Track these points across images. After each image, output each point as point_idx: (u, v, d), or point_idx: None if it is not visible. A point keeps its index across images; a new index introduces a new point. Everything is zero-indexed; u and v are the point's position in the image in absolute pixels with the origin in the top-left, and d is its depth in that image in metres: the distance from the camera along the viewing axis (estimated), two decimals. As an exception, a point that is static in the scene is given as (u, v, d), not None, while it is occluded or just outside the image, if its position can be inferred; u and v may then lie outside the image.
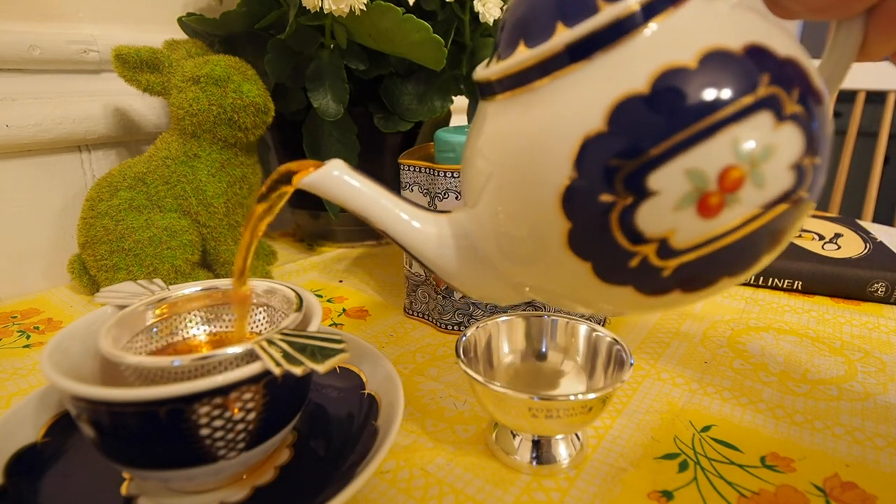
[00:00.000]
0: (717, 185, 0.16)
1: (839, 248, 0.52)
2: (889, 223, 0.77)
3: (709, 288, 0.19)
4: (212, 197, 0.45)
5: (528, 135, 0.18)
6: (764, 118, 0.16)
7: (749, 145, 0.16)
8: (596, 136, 0.17)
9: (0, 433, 0.24)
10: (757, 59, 0.17)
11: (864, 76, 1.00)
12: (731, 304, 0.46)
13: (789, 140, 0.17)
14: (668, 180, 0.16)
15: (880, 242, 0.53)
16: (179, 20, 0.52)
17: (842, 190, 1.02)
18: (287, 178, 0.23)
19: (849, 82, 1.01)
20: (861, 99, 1.02)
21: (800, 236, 0.56)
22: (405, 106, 0.54)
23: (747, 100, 0.16)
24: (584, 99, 0.17)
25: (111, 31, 0.52)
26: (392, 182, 0.60)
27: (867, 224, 0.64)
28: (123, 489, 0.24)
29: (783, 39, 0.18)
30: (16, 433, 0.25)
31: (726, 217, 0.17)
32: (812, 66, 0.18)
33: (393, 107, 0.54)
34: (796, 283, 0.48)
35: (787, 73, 0.17)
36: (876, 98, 1.10)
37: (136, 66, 0.44)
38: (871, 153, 1.02)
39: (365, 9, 0.43)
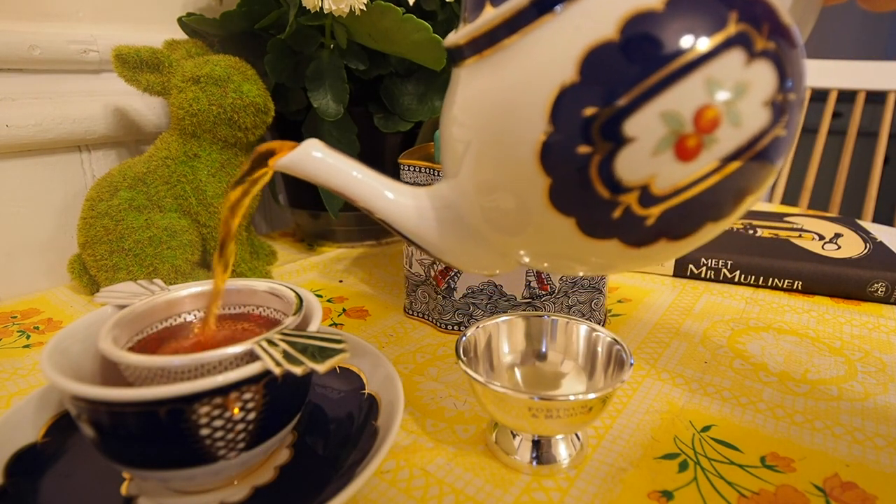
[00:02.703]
0: (694, 126, 0.16)
1: (839, 248, 0.52)
2: (889, 223, 0.77)
3: (694, 235, 0.19)
4: (212, 197, 0.45)
5: (501, 94, 0.18)
6: (735, 55, 0.16)
7: (722, 84, 0.16)
8: (569, 87, 0.17)
9: (0, 433, 0.24)
10: None
11: (865, 76, 1.00)
12: (731, 304, 0.46)
13: (762, 76, 0.17)
14: (644, 125, 0.16)
15: (880, 242, 0.53)
16: (179, 20, 0.52)
17: (842, 190, 1.02)
18: (264, 161, 0.23)
19: (849, 82, 1.01)
20: (861, 99, 1.02)
21: (800, 236, 0.56)
22: (405, 106, 0.54)
23: (717, 38, 0.16)
24: (555, 51, 0.17)
25: (111, 31, 0.52)
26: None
27: (867, 224, 0.64)
28: (123, 489, 0.24)
29: None
30: (16, 433, 0.25)
31: (705, 158, 0.17)
32: (780, 3, 0.18)
33: (393, 107, 0.54)
34: (796, 283, 0.48)
35: (756, 10, 0.17)
36: (876, 98, 1.10)
37: (136, 66, 0.44)
38: (871, 153, 1.02)
39: (365, 9, 0.43)
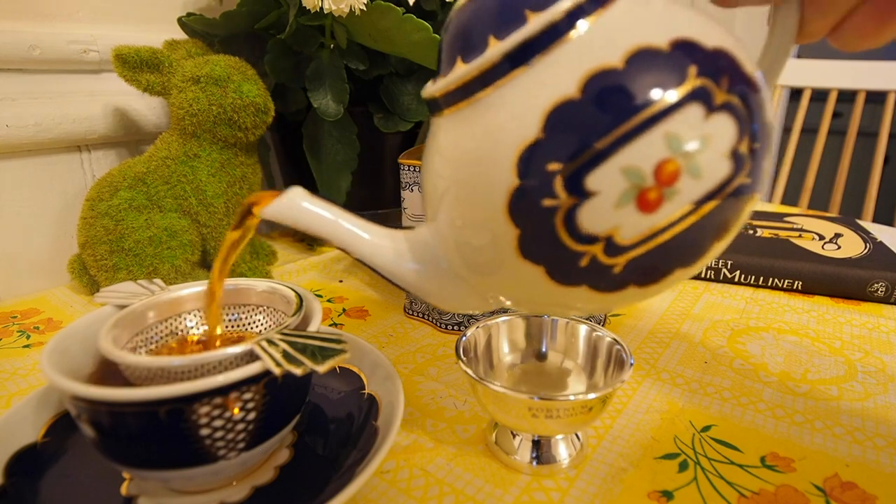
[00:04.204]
0: (654, 180, 0.17)
1: (839, 248, 0.52)
2: (889, 223, 0.77)
3: (663, 280, 0.19)
4: (212, 197, 0.45)
5: (473, 145, 0.19)
6: (694, 110, 0.17)
7: (681, 138, 0.17)
8: (534, 142, 0.17)
9: (0, 433, 0.24)
10: (684, 53, 0.17)
11: (865, 76, 1.00)
12: (731, 304, 0.46)
13: (722, 129, 0.17)
14: (606, 180, 0.17)
15: (880, 242, 0.53)
16: (179, 20, 0.52)
17: (842, 190, 1.02)
18: (250, 211, 0.24)
19: (849, 82, 1.01)
20: (861, 99, 1.02)
21: (799, 236, 0.56)
22: (405, 106, 0.54)
23: (676, 94, 0.16)
24: (521, 107, 0.18)
25: (111, 31, 0.52)
26: (392, 182, 0.60)
27: (867, 224, 0.64)
28: (123, 489, 0.24)
29: (712, 31, 0.18)
30: (16, 433, 0.25)
31: (667, 210, 0.17)
32: (744, 53, 0.18)
33: (393, 107, 0.54)
34: (796, 283, 0.48)
35: (716, 64, 0.17)
36: (876, 98, 1.10)
37: (136, 66, 0.44)
38: (871, 153, 1.02)
39: (365, 9, 0.43)
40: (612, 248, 0.18)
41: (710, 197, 0.17)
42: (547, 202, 0.17)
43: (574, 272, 0.19)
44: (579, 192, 0.17)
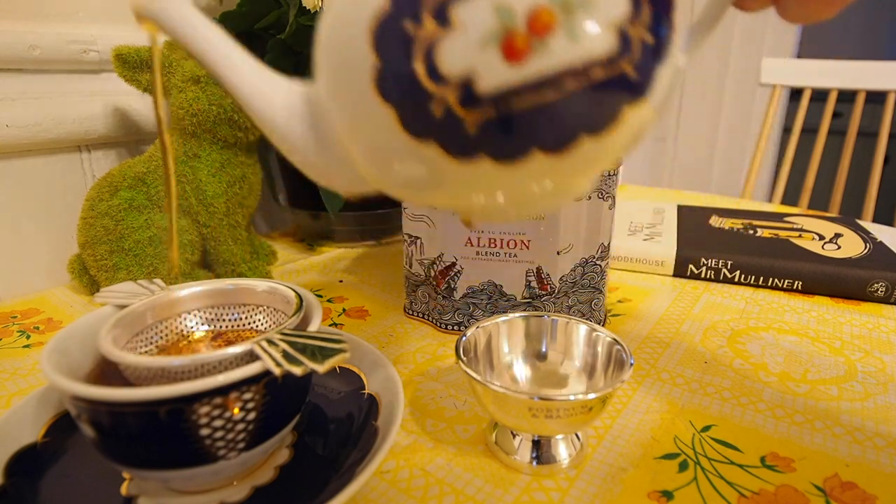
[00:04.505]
0: (526, 25, 0.15)
1: (839, 248, 0.52)
2: (889, 223, 0.77)
3: (520, 160, 0.18)
4: (212, 197, 0.45)
5: None
6: None
7: None
8: None
9: (0, 433, 0.24)
10: None
11: (865, 76, 1.00)
12: (731, 304, 0.46)
13: None
14: (475, 13, 0.16)
15: (880, 242, 0.53)
16: (179, 20, 0.52)
17: (842, 190, 1.02)
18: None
19: (849, 82, 1.01)
20: (861, 99, 1.02)
21: (799, 236, 0.56)
22: (405, 106, 0.54)
23: None
24: None
25: (111, 31, 0.52)
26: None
27: (867, 224, 0.64)
28: (123, 489, 0.24)
29: None
30: (16, 433, 0.25)
31: (534, 65, 0.16)
32: None
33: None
34: (796, 283, 0.48)
35: None
36: (876, 98, 1.10)
37: (136, 66, 0.44)
38: (871, 153, 1.02)
39: (365, 9, 0.43)
40: (468, 96, 0.16)
41: (583, 71, 0.16)
42: (410, 27, 0.16)
43: (425, 120, 0.17)
44: (445, 22, 0.16)
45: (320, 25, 0.20)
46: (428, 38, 0.16)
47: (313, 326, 0.24)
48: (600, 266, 0.39)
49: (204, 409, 0.20)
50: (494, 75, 0.16)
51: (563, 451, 0.27)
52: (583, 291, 0.40)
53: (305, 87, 0.21)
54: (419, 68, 0.16)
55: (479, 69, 0.16)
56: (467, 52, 0.16)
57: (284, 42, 0.48)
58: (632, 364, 0.26)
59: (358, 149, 0.20)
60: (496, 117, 0.16)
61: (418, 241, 0.40)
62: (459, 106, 0.16)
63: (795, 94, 1.73)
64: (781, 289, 0.49)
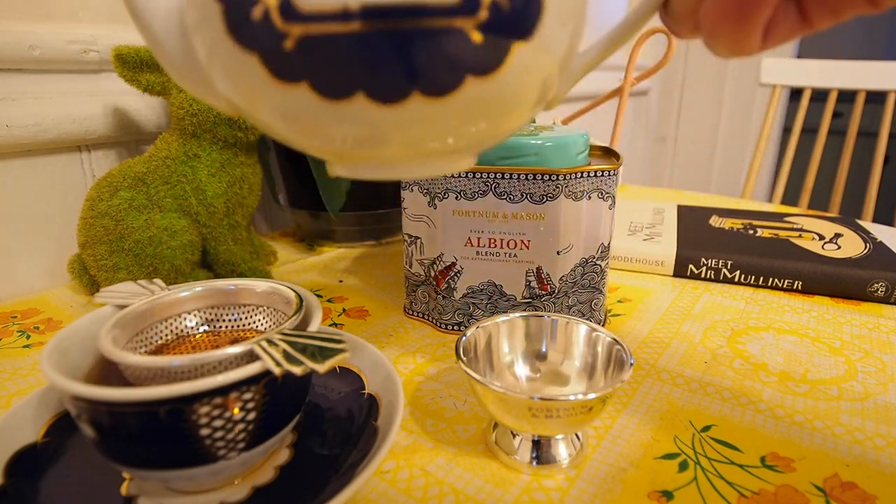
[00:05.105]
0: None
1: (839, 248, 0.52)
2: (889, 223, 0.77)
3: (341, 99, 0.16)
4: (212, 197, 0.45)
5: None
6: None
7: None
8: None
9: (0, 433, 0.24)
10: None
11: (865, 76, 1.00)
12: (731, 304, 0.46)
13: None
14: None
15: (880, 242, 0.53)
16: (179, 20, 0.52)
17: (842, 190, 1.02)
18: None
19: (849, 82, 1.01)
20: (861, 99, 1.02)
21: (800, 236, 0.56)
22: (405, 106, 0.54)
23: None
24: None
25: (111, 31, 0.52)
26: (392, 182, 0.60)
27: (867, 224, 0.64)
28: (123, 489, 0.24)
29: None
30: (16, 433, 0.25)
31: None
32: None
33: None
34: (796, 283, 0.48)
35: None
36: (876, 98, 1.10)
37: (136, 66, 0.44)
38: (871, 153, 1.02)
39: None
40: (289, 9, 0.15)
41: (412, 9, 0.15)
42: None
43: (247, 25, 0.16)
44: None
45: None
46: None
47: (313, 326, 0.24)
48: (600, 266, 0.39)
49: (204, 409, 0.20)
50: None
51: (563, 451, 0.27)
52: (583, 291, 0.40)
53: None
54: None
55: None
56: None
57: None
58: (632, 364, 0.26)
59: (198, 44, 0.19)
60: (315, 38, 0.15)
61: (418, 241, 0.40)
62: (279, 16, 0.15)
63: (795, 94, 1.73)
64: (781, 289, 0.49)
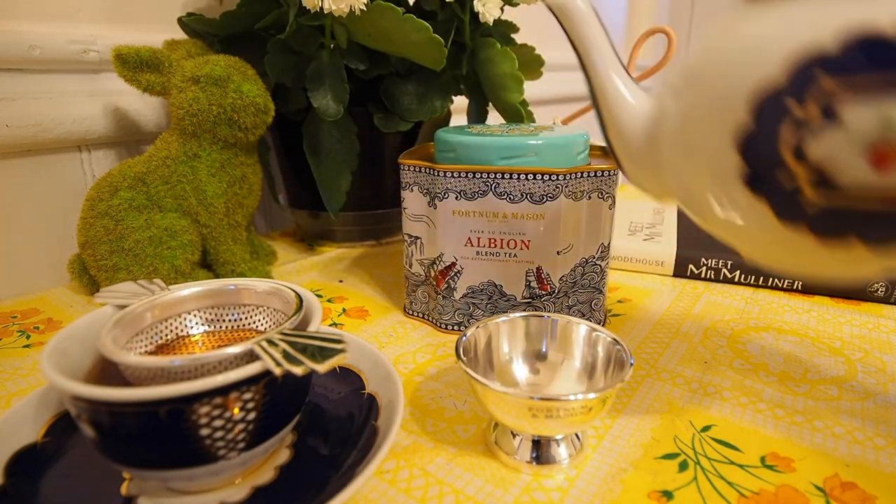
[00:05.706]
0: None
1: (839, 248, 0.52)
2: (889, 223, 0.77)
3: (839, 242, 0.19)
4: (212, 197, 0.45)
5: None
6: None
7: None
8: (819, 54, 0.17)
9: (0, 433, 0.24)
10: None
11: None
12: (731, 304, 0.46)
13: None
14: (861, 115, 0.17)
15: (880, 242, 0.53)
16: (179, 20, 0.52)
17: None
18: None
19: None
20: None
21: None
22: (405, 106, 0.54)
23: None
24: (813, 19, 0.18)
25: (111, 31, 0.52)
26: (392, 182, 0.60)
27: (867, 224, 0.64)
28: (123, 489, 0.24)
29: None
30: (16, 433, 0.25)
31: (892, 180, 0.17)
32: None
33: (393, 107, 0.54)
34: (796, 283, 0.48)
35: None
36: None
37: (136, 66, 0.44)
38: (872, 153, 1.02)
39: (365, 9, 0.43)
40: (821, 180, 0.18)
41: None
42: (794, 107, 0.17)
43: (771, 185, 0.19)
44: (830, 115, 0.17)
45: (692, 63, 0.21)
46: (807, 120, 0.17)
47: (313, 326, 0.24)
48: (600, 266, 0.39)
49: (204, 409, 0.20)
50: (854, 173, 0.17)
51: (563, 451, 0.27)
52: (583, 291, 0.40)
53: (651, 104, 0.24)
54: (785, 139, 0.18)
55: (840, 163, 0.17)
56: (837, 144, 0.17)
57: (284, 42, 0.48)
58: (632, 364, 0.26)
59: (688, 171, 0.22)
60: (832, 208, 0.18)
61: (418, 241, 0.40)
62: (809, 185, 0.18)
63: (795, 94, 1.72)
64: (781, 289, 0.49)
